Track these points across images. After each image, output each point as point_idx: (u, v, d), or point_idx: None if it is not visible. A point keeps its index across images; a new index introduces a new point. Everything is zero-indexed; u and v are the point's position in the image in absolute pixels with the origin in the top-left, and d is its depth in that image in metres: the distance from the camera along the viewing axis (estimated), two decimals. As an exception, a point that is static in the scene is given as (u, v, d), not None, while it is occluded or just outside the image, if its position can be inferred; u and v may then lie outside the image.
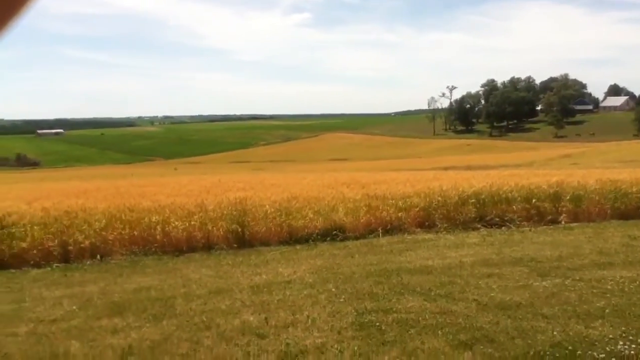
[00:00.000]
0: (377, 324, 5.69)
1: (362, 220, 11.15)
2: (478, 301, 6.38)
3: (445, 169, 34.45)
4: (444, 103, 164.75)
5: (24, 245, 9.27)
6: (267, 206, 11.26)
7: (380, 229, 11.04)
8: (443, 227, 11.45)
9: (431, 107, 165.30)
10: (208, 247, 10.13)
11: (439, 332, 5.42)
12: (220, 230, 10.42)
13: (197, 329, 5.73)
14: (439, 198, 12.13)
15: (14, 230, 9.46)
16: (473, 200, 12.09)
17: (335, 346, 5.10)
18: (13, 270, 8.92)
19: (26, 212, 10.26)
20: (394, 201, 11.92)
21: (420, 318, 5.84)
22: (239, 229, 10.43)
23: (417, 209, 11.71)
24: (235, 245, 10.22)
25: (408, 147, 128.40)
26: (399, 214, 11.45)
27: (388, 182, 16.12)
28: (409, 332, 5.43)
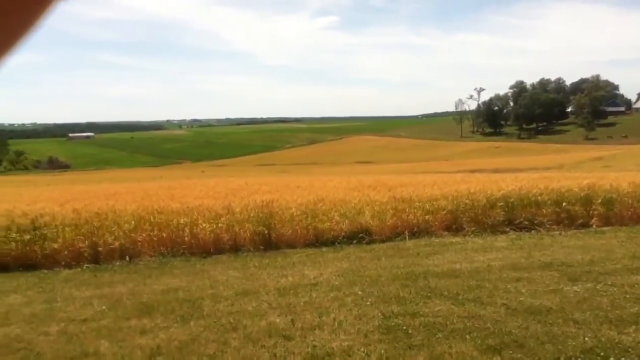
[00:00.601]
0: (404, 327, 5.65)
1: (388, 223, 11.10)
2: (507, 305, 6.29)
3: (473, 171, 34.08)
4: (472, 105, 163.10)
5: (55, 246, 9.46)
6: (293, 209, 11.30)
7: (406, 232, 10.97)
8: (471, 231, 11.32)
9: (458, 109, 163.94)
10: (235, 249, 10.20)
11: (467, 336, 5.36)
12: (247, 232, 10.48)
13: (224, 330, 5.77)
14: (467, 201, 12.00)
15: (46, 232, 9.67)
16: (501, 204, 11.92)
17: (362, 349, 5.08)
18: (45, 271, 9.10)
19: (58, 213, 10.48)
20: (420, 204, 11.83)
21: (447, 322, 5.78)
22: (266, 231, 10.48)
23: (445, 212, 11.61)
24: (261, 248, 10.27)
25: (435, 149, 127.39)
26: (426, 217, 11.36)
27: (415, 184, 16.02)
28: (436, 336, 5.38)
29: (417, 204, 11.85)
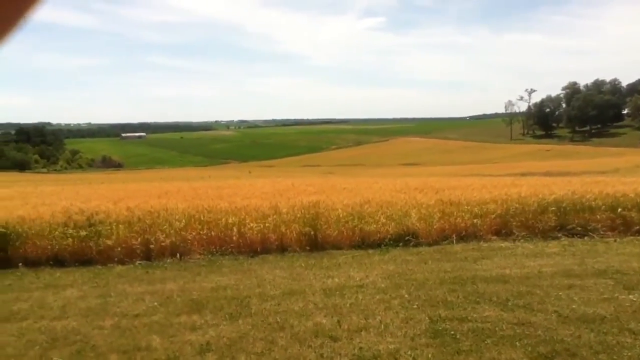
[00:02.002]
0: (452, 332, 5.59)
1: (435, 226, 10.97)
2: (559, 313, 6.14)
3: (523, 174, 33.25)
4: (522, 107, 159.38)
5: (109, 242, 9.78)
6: (340, 210, 11.31)
7: (454, 236, 10.82)
8: (521, 235, 11.07)
9: (508, 111, 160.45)
10: (281, 249, 10.30)
11: (517, 343, 5.26)
12: (294, 232, 10.56)
13: (271, 329, 5.85)
14: (517, 205, 11.74)
15: (100, 229, 10.00)
16: (553, 208, 11.60)
17: (409, 353, 5.05)
18: (99, 266, 9.42)
19: (112, 211, 10.81)
20: (469, 207, 11.65)
21: (497, 328, 5.68)
22: (312, 232, 10.53)
23: (494, 215, 11.39)
24: (307, 248, 10.33)
25: (483, 152, 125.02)
26: (474, 221, 11.17)
27: (462, 187, 15.77)
28: (485, 342, 5.30)
29: (466, 207, 11.67)
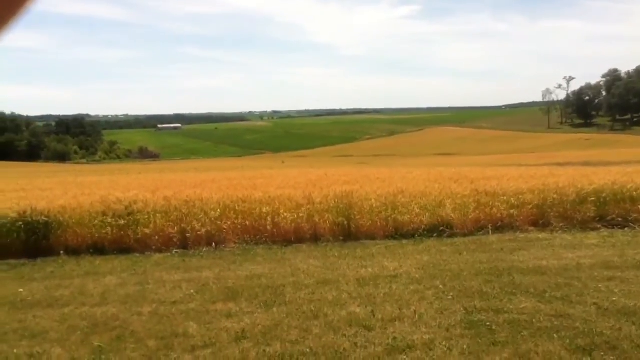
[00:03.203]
0: (488, 323, 5.53)
1: (470, 217, 10.85)
2: (598, 305, 6.00)
3: (561, 164, 32.51)
4: (560, 95, 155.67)
5: (147, 231, 9.98)
6: (373, 200, 11.27)
7: (490, 226, 10.68)
8: (559, 226, 10.84)
9: (546, 100, 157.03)
10: (315, 238, 10.34)
11: (555, 335, 5.17)
12: (327, 222, 10.59)
13: (305, 318, 5.89)
14: (555, 195, 11.49)
15: (138, 217, 10.21)
16: (593, 199, 11.32)
17: (444, 343, 5.02)
18: (137, 255, 9.63)
19: (150, 200, 11.02)
20: (505, 198, 11.46)
21: (533, 320, 5.60)
22: (345, 222, 10.54)
23: (531, 206, 11.19)
24: (341, 238, 10.34)
25: (520, 141, 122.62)
26: (511, 211, 10.99)
27: (499, 177, 15.51)
28: (522, 334, 5.23)
29: (502, 197, 11.49)
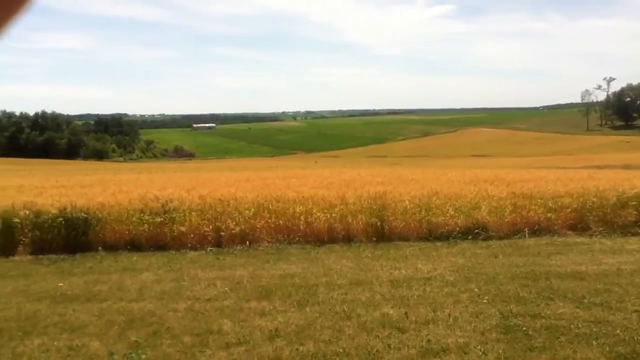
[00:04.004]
0: (524, 328, 5.43)
1: (506, 220, 10.67)
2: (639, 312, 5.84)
3: (601, 167, 31.68)
4: (600, 96, 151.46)
5: (183, 229, 10.14)
6: (407, 201, 11.19)
7: (526, 230, 10.49)
8: (598, 231, 10.58)
9: (585, 101, 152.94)
10: (348, 239, 10.33)
11: (594, 342, 5.04)
12: (360, 223, 10.57)
13: (338, 318, 5.89)
14: (594, 199, 11.21)
15: (174, 215, 10.38)
16: (634, 203, 11.00)
17: (479, 347, 4.96)
18: (173, 252, 9.78)
19: (185, 199, 11.18)
20: (542, 201, 11.24)
21: (572, 326, 5.48)
22: (378, 223, 10.50)
23: (569, 210, 10.94)
24: (374, 239, 10.30)
25: (557, 143, 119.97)
26: (548, 215, 10.77)
27: (535, 180, 15.23)
28: (559, 340, 5.12)
29: (539, 200, 11.27)
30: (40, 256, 9.63)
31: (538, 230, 10.57)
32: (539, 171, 23.49)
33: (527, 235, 10.36)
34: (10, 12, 0.66)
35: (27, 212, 10.15)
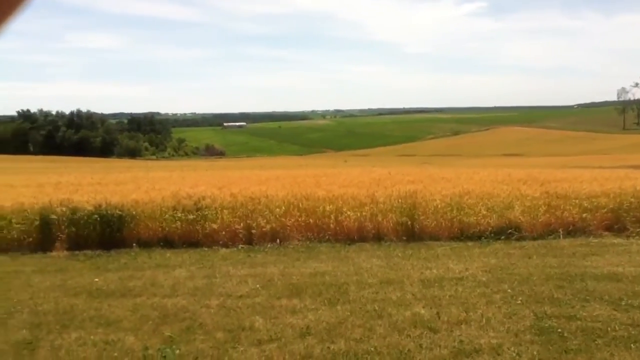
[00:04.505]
0: (559, 330, 5.33)
1: (540, 220, 10.49)
2: (680, 316, 5.67)
3: (637, 167, 30.84)
4: (637, 94, 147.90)
5: (214, 226, 10.25)
6: (438, 200, 11.09)
7: (561, 230, 10.29)
8: (635, 232, 10.32)
9: (621, 99, 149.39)
10: (378, 237, 10.30)
11: (632, 345, 4.93)
12: (390, 222, 10.52)
13: (369, 317, 5.88)
14: (632, 199, 10.94)
15: (207, 213, 10.51)
16: (674, 203, 10.69)
17: (512, 349, 4.89)
18: (205, 249, 9.91)
19: (217, 196, 11.31)
20: (577, 201, 11.01)
21: (608, 328, 5.35)
22: (409, 222, 10.44)
23: (605, 210, 10.69)
24: (404, 238, 10.25)
25: (592, 142, 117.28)
26: (584, 215, 10.55)
27: (570, 179, 14.90)
28: (596, 342, 5.01)
29: (574, 200, 11.04)
30: (77, 252, 9.86)
31: (573, 230, 10.37)
32: (574, 170, 23.02)
33: (561, 235, 10.17)
34: (10, 9, 0.67)
35: (64, 209, 10.40)
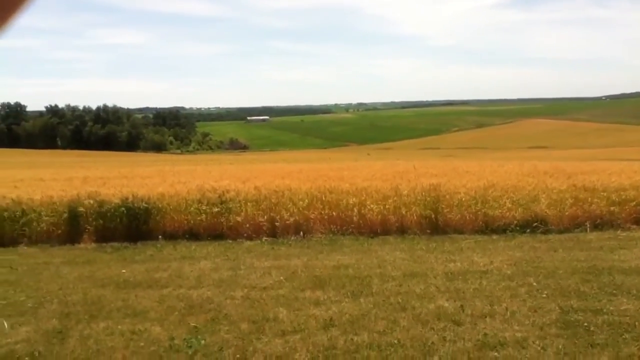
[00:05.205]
0: (585, 324, 5.26)
1: (567, 213, 10.34)
2: None
3: (668, 159, 30.13)
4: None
5: (239, 219, 10.35)
6: (462, 193, 11.02)
7: (588, 223, 10.13)
8: (665, 225, 10.11)
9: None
10: (401, 230, 10.27)
11: (661, 340, 4.83)
12: (414, 215, 10.49)
13: (393, 309, 5.88)
14: (662, 192, 10.71)
15: (231, 206, 10.61)
16: None
17: (537, 342, 4.84)
18: (230, 241, 10.01)
19: (241, 190, 11.41)
20: (605, 194, 10.82)
21: (636, 322, 5.26)
22: (433, 215, 10.39)
23: (634, 203, 10.49)
24: (428, 231, 10.21)
25: (621, 134, 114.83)
26: (611, 208, 10.37)
27: (598, 172, 14.65)
28: (623, 337, 4.94)
29: (602, 193, 10.86)
30: (104, 244, 10.06)
31: (600, 224, 10.20)
32: (602, 163, 22.63)
33: (588, 229, 10.01)
34: (12, 9, 0.69)
35: (92, 202, 10.61)
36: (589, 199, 10.67)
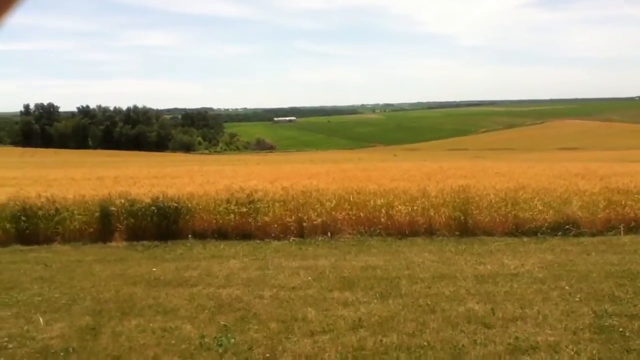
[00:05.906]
0: (620, 329, 5.15)
1: (599, 216, 10.13)
2: None
3: None
4: None
5: (267, 219, 10.41)
6: (492, 195, 10.88)
7: (622, 227, 9.91)
8: (703, 229, 9.82)
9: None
10: (430, 232, 10.20)
11: (699, 347, 4.70)
12: (442, 216, 10.40)
13: (422, 311, 5.85)
14: (700, 195, 10.41)
15: (259, 206, 10.68)
16: None
17: (570, 347, 4.76)
18: (258, 241, 10.08)
19: (269, 190, 11.46)
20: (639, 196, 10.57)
21: (674, 329, 5.13)
22: (462, 217, 10.28)
23: (670, 206, 10.22)
24: (457, 233, 10.11)
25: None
26: (646, 211, 10.12)
27: (632, 174, 14.32)
28: (660, 343, 4.82)
29: (636, 196, 10.61)
30: (135, 242, 10.22)
31: (635, 227, 9.98)
32: (635, 165, 22.08)
33: (622, 232, 9.79)
34: (8, 5, 0.70)
35: (123, 201, 10.78)
36: (623, 201, 10.45)
